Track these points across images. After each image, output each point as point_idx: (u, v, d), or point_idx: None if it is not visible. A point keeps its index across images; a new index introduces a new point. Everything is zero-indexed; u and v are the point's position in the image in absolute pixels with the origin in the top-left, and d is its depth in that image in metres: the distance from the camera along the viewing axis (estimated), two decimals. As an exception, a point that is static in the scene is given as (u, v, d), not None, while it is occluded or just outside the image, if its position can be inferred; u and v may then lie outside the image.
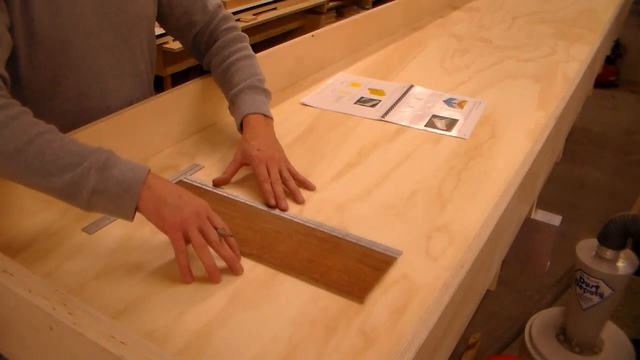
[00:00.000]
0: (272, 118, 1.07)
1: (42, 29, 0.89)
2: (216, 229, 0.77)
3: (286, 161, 1.00)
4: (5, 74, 0.84)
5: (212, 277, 0.76)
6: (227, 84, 1.10)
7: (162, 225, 0.76)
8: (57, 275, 0.78)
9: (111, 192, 0.74)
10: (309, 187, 0.99)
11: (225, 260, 0.77)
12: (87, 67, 0.98)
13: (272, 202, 0.93)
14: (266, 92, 1.10)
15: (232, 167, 1.00)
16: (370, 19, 1.76)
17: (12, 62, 0.89)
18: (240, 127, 1.05)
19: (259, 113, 1.04)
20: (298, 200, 0.95)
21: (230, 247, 0.79)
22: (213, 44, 1.13)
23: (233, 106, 1.08)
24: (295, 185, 0.97)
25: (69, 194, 0.75)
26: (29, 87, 0.94)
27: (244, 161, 0.99)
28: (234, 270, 0.78)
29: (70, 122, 0.95)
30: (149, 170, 0.77)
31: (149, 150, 1.07)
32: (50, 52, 0.92)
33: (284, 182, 0.96)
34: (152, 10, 1.07)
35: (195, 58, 1.20)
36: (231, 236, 0.79)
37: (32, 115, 0.79)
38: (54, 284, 0.67)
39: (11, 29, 0.87)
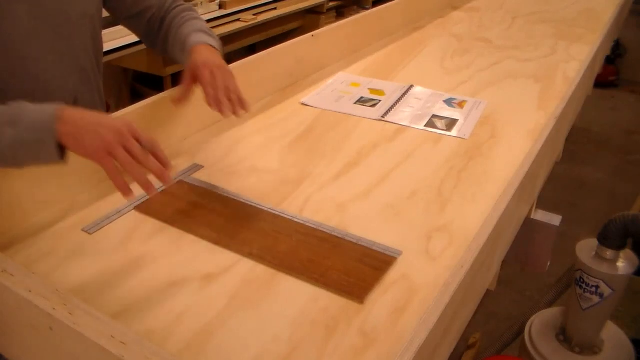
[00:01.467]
0: (219, 52, 1.06)
1: None
2: (141, 144, 0.76)
3: (233, 76, 1.00)
4: None
5: (146, 191, 0.76)
6: (176, 42, 1.09)
7: (87, 154, 0.75)
8: (57, 275, 0.78)
9: (29, 141, 0.74)
10: (245, 106, 0.98)
11: (153, 172, 0.76)
12: (29, 69, 0.95)
13: (215, 107, 0.93)
14: (215, 37, 1.08)
15: (185, 82, 0.99)
16: (370, 19, 1.76)
17: None
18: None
19: (208, 44, 1.04)
20: (237, 113, 0.96)
21: (158, 158, 0.78)
22: (164, 22, 1.13)
23: (182, 52, 1.06)
24: (238, 99, 0.97)
25: None
26: None
27: (193, 71, 0.98)
28: (162, 179, 0.77)
29: None
30: (59, 107, 0.76)
31: (149, 150, 1.07)
32: None
33: (227, 93, 0.96)
34: (96, 8, 1.06)
35: (147, 43, 1.19)
36: (158, 149, 0.78)
37: None
38: (54, 284, 0.67)
39: None
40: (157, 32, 1.14)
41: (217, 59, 1.02)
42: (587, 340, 1.25)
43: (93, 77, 1.10)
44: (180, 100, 1.00)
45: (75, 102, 1.03)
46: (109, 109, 0.99)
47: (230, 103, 0.96)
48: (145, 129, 1.00)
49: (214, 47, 1.06)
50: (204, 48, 1.03)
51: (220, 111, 0.94)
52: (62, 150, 0.76)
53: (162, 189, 0.97)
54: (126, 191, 0.75)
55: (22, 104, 0.77)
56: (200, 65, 0.98)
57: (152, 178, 0.76)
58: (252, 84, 1.31)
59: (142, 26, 1.15)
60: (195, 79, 0.99)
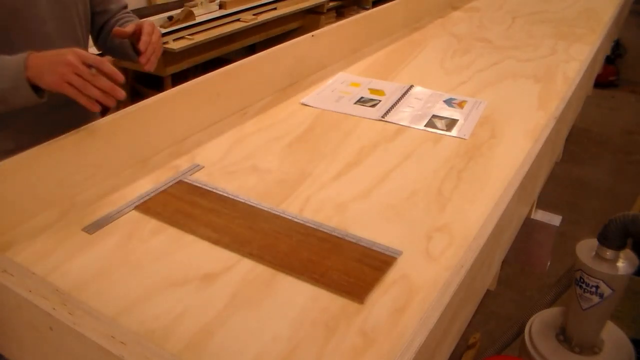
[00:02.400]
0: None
1: None
2: (91, 66, 0.89)
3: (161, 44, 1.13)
4: None
5: (105, 101, 0.90)
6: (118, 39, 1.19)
7: (50, 87, 0.90)
8: (57, 275, 0.78)
9: (9, 89, 0.91)
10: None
11: (103, 89, 0.89)
12: (36, 31, 1.09)
13: (144, 60, 1.06)
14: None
15: (125, 29, 1.08)
16: (370, 19, 1.76)
17: None
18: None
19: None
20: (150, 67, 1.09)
21: (108, 74, 0.90)
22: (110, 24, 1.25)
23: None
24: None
25: None
26: None
27: (136, 27, 1.09)
28: (114, 94, 0.90)
29: None
30: (29, 54, 0.91)
31: (149, 150, 1.07)
32: (2, 17, 1.04)
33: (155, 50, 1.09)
34: None
35: (94, 40, 1.29)
36: (105, 66, 0.90)
37: None
38: (54, 284, 0.67)
39: None
40: (107, 35, 1.25)
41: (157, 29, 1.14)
42: (587, 340, 1.25)
43: (84, 48, 1.20)
44: (119, 35, 1.10)
45: None
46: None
47: (148, 59, 1.08)
48: (145, 128, 1.01)
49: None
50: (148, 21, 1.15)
51: (141, 59, 1.07)
52: (38, 90, 0.92)
53: (162, 189, 0.98)
54: (90, 106, 0.90)
55: (2, 58, 0.92)
56: (147, 25, 1.10)
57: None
58: (252, 84, 1.31)
59: (97, 26, 1.26)
60: (135, 36, 1.10)
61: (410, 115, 1.30)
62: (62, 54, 0.90)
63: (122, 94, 0.91)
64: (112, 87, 0.91)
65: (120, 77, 0.92)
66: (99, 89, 0.90)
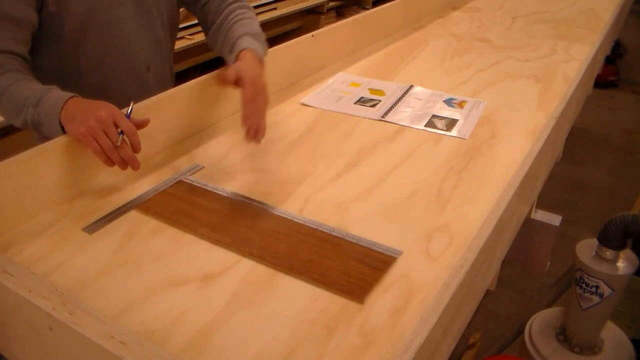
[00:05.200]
0: (263, 63, 1.11)
1: (69, 2, 1.04)
2: (122, 132, 0.89)
3: (267, 100, 1.04)
4: (20, 51, 1.01)
5: (121, 167, 0.91)
6: (226, 42, 1.14)
7: (75, 136, 0.90)
8: (57, 275, 0.78)
9: (43, 122, 0.94)
10: (259, 138, 1.02)
11: (123, 156, 0.90)
12: (112, 32, 1.11)
13: (245, 127, 0.98)
14: (263, 43, 1.15)
15: (226, 80, 1.01)
16: (370, 19, 1.76)
17: (45, 27, 1.05)
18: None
19: (254, 49, 1.09)
20: (256, 140, 1.01)
21: (133, 145, 0.91)
22: (219, 16, 1.19)
23: (231, 53, 1.11)
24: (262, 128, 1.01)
25: (26, 126, 0.97)
26: (59, 48, 1.08)
27: (238, 79, 1.01)
28: (131, 165, 0.91)
29: (95, 78, 1.12)
30: (70, 97, 0.93)
31: (149, 150, 1.07)
32: (78, 19, 1.06)
33: (259, 120, 1.00)
34: None
35: (205, 33, 1.26)
36: (133, 135, 0.90)
37: (9, 73, 0.98)
38: (54, 284, 0.67)
39: (43, 4, 1.02)
40: (211, 23, 1.21)
41: (261, 73, 1.06)
42: (587, 340, 1.25)
43: (166, 49, 1.25)
44: (222, 82, 1.03)
45: (148, 69, 1.20)
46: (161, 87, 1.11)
47: (256, 132, 1.00)
48: (145, 128, 1.01)
49: (260, 56, 1.10)
50: (250, 56, 1.07)
51: (246, 133, 0.99)
52: (63, 130, 0.93)
53: (162, 189, 0.98)
54: (108, 164, 0.90)
55: (50, 89, 0.95)
56: (248, 79, 1.01)
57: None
58: (252, 84, 1.31)
59: (197, 12, 1.24)
60: (237, 85, 1.02)
61: (410, 115, 1.30)
62: (98, 108, 0.90)
63: (139, 166, 0.92)
64: (133, 159, 0.91)
65: (139, 149, 0.92)
66: (119, 154, 0.90)
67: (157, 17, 1.18)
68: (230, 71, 1.01)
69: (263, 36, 1.17)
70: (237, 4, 1.20)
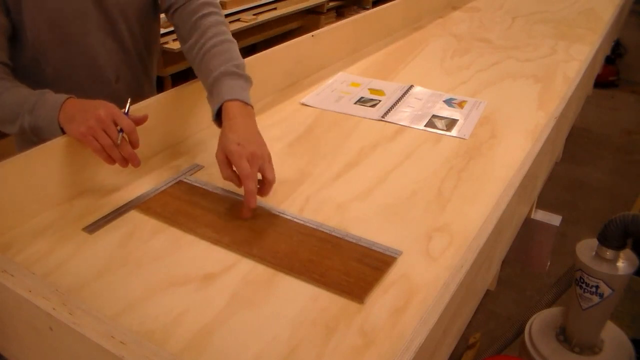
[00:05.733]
0: (252, 106, 0.98)
1: (29, 12, 1.02)
2: (122, 130, 0.89)
3: (269, 158, 0.92)
4: (0, 57, 1.00)
5: (122, 164, 0.90)
6: (203, 72, 1.04)
7: (75, 136, 0.90)
8: (57, 275, 0.78)
9: (41, 126, 0.94)
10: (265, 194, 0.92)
11: (123, 154, 0.90)
12: (76, 43, 1.09)
13: (254, 204, 0.86)
14: (245, 77, 1.02)
15: (224, 169, 0.90)
16: (370, 19, 1.76)
17: (13, 34, 1.03)
18: (217, 118, 0.98)
19: (237, 100, 0.96)
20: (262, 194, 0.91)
21: (132, 143, 0.91)
22: (192, 30, 1.09)
23: (211, 96, 1.01)
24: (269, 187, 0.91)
25: (23, 132, 0.96)
26: (22, 57, 1.06)
27: (227, 157, 0.89)
28: (132, 162, 0.91)
29: (61, 88, 0.99)
30: (67, 99, 0.93)
31: (149, 150, 1.07)
32: (40, 29, 1.04)
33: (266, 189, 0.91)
34: None
35: (180, 43, 1.14)
36: (133, 133, 0.90)
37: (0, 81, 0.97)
38: (54, 284, 0.67)
39: (9, 10, 1.00)
40: (185, 36, 1.10)
41: (250, 135, 0.92)
42: (587, 340, 1.25)
43: (138, 59, 1.20)
44: (249, 206, 0.88)
45: (117, 80, 1.18)
46: (136, 98, 1.04)
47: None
48: (145, 128, 1.01)
49: (247, 103, 0.98)
50: (236, 113, 0.94)
51: (248, 211, 0.90)
52: (62, 131, 0.92)
53: (162, 189, 0.98)
54: (108, 162, 0.90)
55: (44, 93, 0.94)
56: (235, 152, 0.88)
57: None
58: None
59: (168, 19, 1.17)
60: (231, 164, 0.90)
61: (410, 115, 1.30)
62: (95, 107, 0.90)
63: (139, 163, 0.91)
64: (133, 156, 0.91)
65: (138, 146, 0.92)
66: (120, 152, 0.90)
67: (124, 27, 1.14)
68: (219, 155, 0.90)
69: (244, 65, 1.05)
70: (210, 19, 1.09)
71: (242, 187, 0.88)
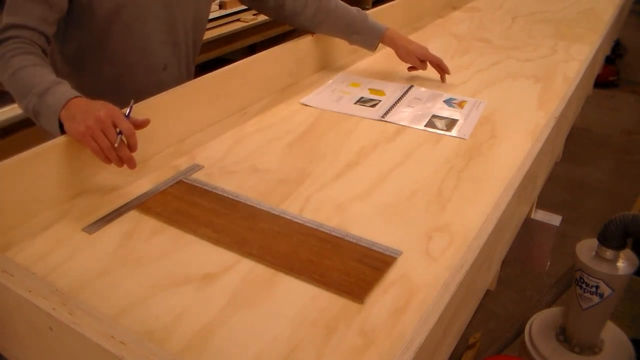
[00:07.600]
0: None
1: None
2: (121, 132, 0.90)
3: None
4: (46, 30, 1.03)
5: (118, 165, 0.91)
6: (338, 25, 1.45)
7: (74, 136, 0.91)
8: (57, 275, 0.78)
9: (43, 114, 0.94)
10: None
11: (120, 156, 0.90)
12: (135, 29, 1.16)
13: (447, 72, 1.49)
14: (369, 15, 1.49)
15: (422, 66, 1.53)
16: (370, 19, 1.76)
17: (74, 16, 1.10)
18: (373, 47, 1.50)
19: (388, 28, 1.48)
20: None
21: (130, 146, 0.91)
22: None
23: (363, 34, 1.47)
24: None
25: (27, 112, 0.96)
26: (89, 36, 1.13)
27: (419, 58, 1.49)
28: (129, 165, 0.92)
29: (113, 71, 1.17)
30: (74, 97, 0.93)
31: (149, 150, 1.07)
32: (107, 12, 1.11)
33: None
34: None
35: (288, 19, 1.44)
36: (131, 135, 0.91)
37: (28, 55, 0.99)
38: (54, 284, 0.67)
39: None
40: (300, 8, 1.40)
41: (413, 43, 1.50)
42: (587, 340, 1.25)
43: (184, 52, 1.28)
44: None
45: (165, 69, 1.25)
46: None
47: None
48: (145, 128, 1.01)
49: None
50: (396, 33, 1.49)
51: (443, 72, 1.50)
52: (61, 129, 0.93)
53: (162, 189, 0.98)
54: (106, 162, 0.91)
55: (59, 83, 0.95)
56: (427, 52, 1.49)
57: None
58: (252, 84, 1.31)
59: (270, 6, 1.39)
60: (424, 62, 1.50)
61: (410, 115, 1.30)
62: (97, 108, 0.90)
63: (135, 165, 0.92)
64: (130, 159, 0.91)
65: (136, 149, 0.92)
66: (118, 154, 0.90)
67: (180, 21, 1.22)
68: (412, 59, 1.48)
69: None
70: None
71: (435, 66, 1.49)
